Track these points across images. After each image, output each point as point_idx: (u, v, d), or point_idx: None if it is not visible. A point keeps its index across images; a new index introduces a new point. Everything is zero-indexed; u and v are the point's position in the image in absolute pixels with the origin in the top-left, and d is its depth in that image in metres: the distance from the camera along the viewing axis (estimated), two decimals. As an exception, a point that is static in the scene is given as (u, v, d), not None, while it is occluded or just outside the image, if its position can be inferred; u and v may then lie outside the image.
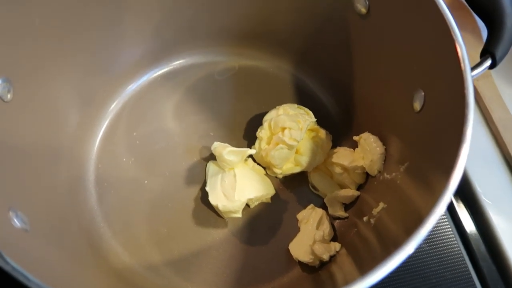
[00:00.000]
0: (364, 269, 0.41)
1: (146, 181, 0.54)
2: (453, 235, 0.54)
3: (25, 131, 0.45)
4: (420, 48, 0.42)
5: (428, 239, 0.54)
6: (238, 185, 0.51)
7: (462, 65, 0.35)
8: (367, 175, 0.52)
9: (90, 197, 0.53)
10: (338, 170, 0.53)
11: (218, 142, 0.52)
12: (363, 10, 0.47)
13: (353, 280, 0.32)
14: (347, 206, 0.53)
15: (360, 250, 0.47)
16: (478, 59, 0.42)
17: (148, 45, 0.58)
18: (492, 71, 0.55)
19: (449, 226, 0.54)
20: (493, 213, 0.54)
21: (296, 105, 0.55)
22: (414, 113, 0.43)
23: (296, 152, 0.53)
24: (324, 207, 0.53)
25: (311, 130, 0.54)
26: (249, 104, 0.60)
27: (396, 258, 0.32)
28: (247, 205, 0.53)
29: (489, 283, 0.52)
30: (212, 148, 0.52)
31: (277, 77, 0.62)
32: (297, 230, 0.52)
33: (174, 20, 0.56)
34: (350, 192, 0.52)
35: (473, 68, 0.39)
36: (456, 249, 0.53)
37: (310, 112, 0.55)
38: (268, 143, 0.53)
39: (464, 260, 0.52)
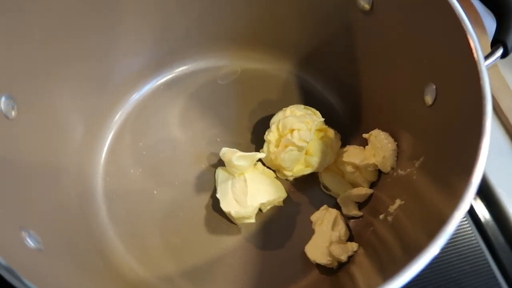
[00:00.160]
0: (384, 269, 0.40)
1: (155, 192, 0.54)
2: (470, 228, 0.53)
3: (32, 148, 0.44)
4: (429, 41, 0.41)
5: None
6: (250, 190, 0.50)
7: (475, 56, 0.35)
8: (380, 173, 0.52)
9: (100, 211, 0.52)
10: (349, 169, 0.52)
11: (227, 148, 0.52)
12: (367, 6, 0.47)
13: (375, 283, 0.31)
14: (360, 205, 0.52)
15: (379, 250, 0.46)
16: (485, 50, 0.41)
17: (150, 54, 0.57)
18: (498, 61, 0.54)
19: (465, 219, 0.54)
20: (508, 203, 0.53)
21: (302, 106, 0.54)
22: (426, 107, 0.42)
23: (306, 153, 0.52)
24: (337, 207, 0.52)
25: (319, 130, 0.54)
26: (254, 108, 0.59)
27: (421, 260, 0.31)
28: (260, 209, 0.52)
29: (510, 273, 0.51)
30: (221, 154, 0.51)
31: (280, 79, 0.61)
32: (311, 232, 0.51)
33: (175, 27, 0.55)
34: (363, 191, 0.51)
35: (484, 58, 0.38)
36: (474, 242, 0.52)
37: (318, 112, 0.54)
38: (277, 146, 0.53)
39: (483, 252, 0.52)
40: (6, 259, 0.30)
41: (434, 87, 0.41)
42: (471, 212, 0.54)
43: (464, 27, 0.36)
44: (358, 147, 0.53)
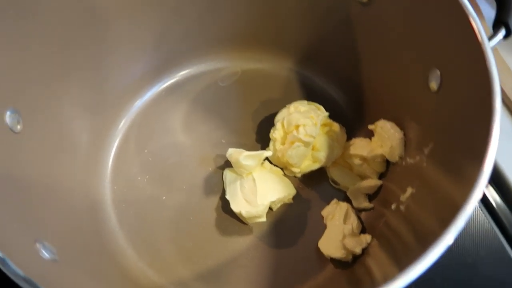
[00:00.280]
0: (400, 260, 0.40)
1: (164, 197, 0.53)
2: (482, 213, 0.53)
3: (39, 160, 0.44)
4: (431, 27, 0.41)
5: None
6: (259, 189, 0.50)
7: (479, 37, 0.35)
8: (388, 163, 0.52)
9: (110, 220, 0.52)
10: (357, 161, 0.52)
11: (233, 149, 0.52)
12: (365, -2, 0.47)
13: (392, 273, 0.31)
14: (371, 197, 0.52)
15: (393, 240, 0.46)
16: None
17: (150, 60, 0.57)
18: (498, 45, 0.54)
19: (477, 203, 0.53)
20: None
21: (306, 102, 0.54)
22: (432, 94, 0.42)
23: (313, 149, 0.52)
24: (347, 200, 0.52)
25: (324, 125, 0.54)
26: (257, 107, 0.59)
27: (436, 249, 0.31)
28: (270, 208, 0.52)
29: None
30: (228, 155, 0.51)
31: (281, 76, 0.61)
32: (323, 227, 0.51)
33: (173, 31, 0.55)
34: (373, 182, 0.51)
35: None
36: (487, 226, 0.52)
37: (321, 107, 0.54)
38: (283, 143, 0.52)
39: (497, 236, 0.51)
40: (24, 270, 0.30)
41: (439, 72, 0.41)
42: (482, 197, 0.54)
43: (466, 10, 0.36)
44: (364, 139, 0.53)
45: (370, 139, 0.52)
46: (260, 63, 0.61)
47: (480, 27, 0.35)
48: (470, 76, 0.37)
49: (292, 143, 0.51)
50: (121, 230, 0.51)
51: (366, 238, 0.48)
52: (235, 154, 0.51)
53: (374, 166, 0.52)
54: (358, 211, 0.52)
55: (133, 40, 0.54)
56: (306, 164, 0.53)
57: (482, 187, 0.32)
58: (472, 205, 0.32)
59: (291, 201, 0.53)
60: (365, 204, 0.51)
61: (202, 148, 0.56)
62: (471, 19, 0.36)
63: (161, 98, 0.59)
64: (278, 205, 0.52)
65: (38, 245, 0.36)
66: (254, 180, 0.51)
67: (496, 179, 0.55)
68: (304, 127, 0.50)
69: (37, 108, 0.44)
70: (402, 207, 0.45)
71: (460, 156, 0.37)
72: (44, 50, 0.44)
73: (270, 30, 0.58)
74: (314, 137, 0.50)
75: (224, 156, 0.52)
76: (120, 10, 0.50)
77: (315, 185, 0.54)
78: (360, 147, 0.52)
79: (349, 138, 0.54)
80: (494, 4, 0.43)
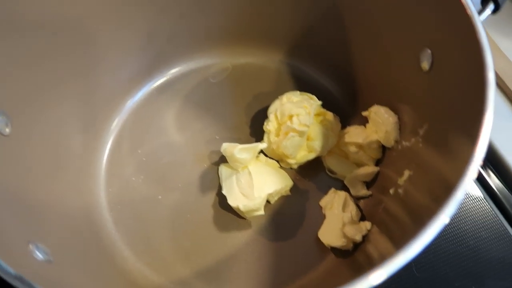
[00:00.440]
0: (400, 244, 0.39)
1: (160, 197, 0.53)
2: (481, 194, 0.53)
3: (29, 163, 0.43)
4: (418, 6, 0.41)
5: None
6: (255, 182, 0.50)
7: (468, 11, 0.35)
8: (383, 149, 0.51)
9: (107, 222, 0.51)
10: (353, 149, 0.51)
11: (227, 143, 0.51)
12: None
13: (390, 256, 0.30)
14: (368, 184, 0.52)
15: (392, 226, 0.45)
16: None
17: (139, 60, 0.56)
18: (486, 24, 0.54)
19: (475, 185, 0.53)
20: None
21: (298, 92, 0.54)
22: (424, 74, 0.42)
23: (308, 139, 0.52)
24: (345, 189, 0.52)
25: (318, 114, 0.53)
26: (249, 102, 0.58)
27: (431, 228, 0.30)
28: (268, 201, 0.51)
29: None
30: (222, 149, 0.51)
31: (272, 69, 0.61)
32: (322, 217, 0.50)
33: (159, 30, 0.55)
34: (370, 169, 0.51)
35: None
36: (486, 207, 0.52)
37: (314, 96, 0.53)
38: (277, 135, 0.52)
39: (498, 217, 0.51)
40: (16, 270, 0.29)
41: (430, 51, 0.41)
42: (479, 178, 0.54)
43: (452, -15, 0.36)
44: (358, 126, 0.52)
45: (365, 126, 0.52)
46: (250, 57, 0.61)
47: (468, 1, 0.35)
48: (461, 51, 0.36)
49: (287, 133, 0.50)
50: (118, 231, 0.51)
51: (366, 225, 0.47)
52: (230, 148, 0.50)
53: (370, 152, 0.51)
54: (356, 199, 0.51)
55: (121, 43, 0.53)
56: (301, 155, 0.52)
57: (477, 164, 0.31)
58: (466, 183, 0.31)
59: (289, 193, 0.52)
60: (363, 191, 0.51)
61: (196, 146, 0.56)
62: (458, -6, 0.35)
63: (153, 97, 0.59)
64: (276, 198, 0.52)
65: (31, 246, 0.35)
66: (250, 173, 0.50)
67: (493, 160, 0.54)
68: (298, 117, 0.50)
69: (26, 111, 0.43)
70: (400, 191, 0.45)
71: (456, 134, 0.37)
72: (32, 57, 0.43)
73: (258, 23, 0.57)
74: (308, 126, 0.50)
75: (219, 152, 0.51)
76: (107, 16, 0.49)
77: (312, 176, 0.54)
78: (355, 134, 0.51)
79: (343, 126, 0.54)
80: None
